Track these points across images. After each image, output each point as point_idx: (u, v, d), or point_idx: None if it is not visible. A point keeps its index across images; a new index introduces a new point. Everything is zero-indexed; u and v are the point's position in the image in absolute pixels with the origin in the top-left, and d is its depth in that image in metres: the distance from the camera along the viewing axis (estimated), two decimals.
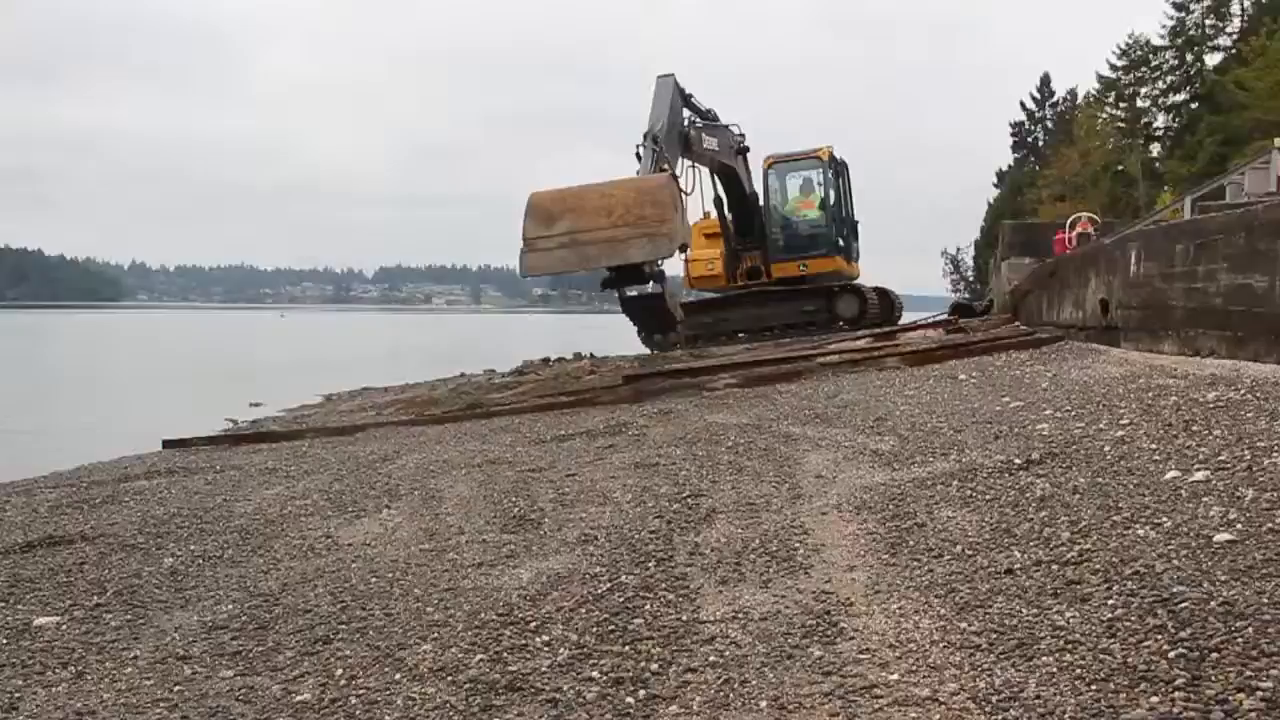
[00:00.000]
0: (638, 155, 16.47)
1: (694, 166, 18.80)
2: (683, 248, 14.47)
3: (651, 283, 13.65)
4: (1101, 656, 3.15)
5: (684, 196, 14.58)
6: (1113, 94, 57.22)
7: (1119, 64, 56.76)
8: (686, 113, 19.04)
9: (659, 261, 14.38)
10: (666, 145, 16.76)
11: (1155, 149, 56.66)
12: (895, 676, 3.26)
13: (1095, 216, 25.88)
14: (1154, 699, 2.84)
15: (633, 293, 14.32)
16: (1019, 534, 4.56)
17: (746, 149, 22.91)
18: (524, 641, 3.95)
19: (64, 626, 4.76)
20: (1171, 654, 3.07)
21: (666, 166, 16.55)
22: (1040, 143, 73.95)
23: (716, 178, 21.47)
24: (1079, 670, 3.09)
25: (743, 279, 24.22)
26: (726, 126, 21.48)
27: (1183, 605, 3.38)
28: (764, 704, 3.20)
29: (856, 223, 25.76)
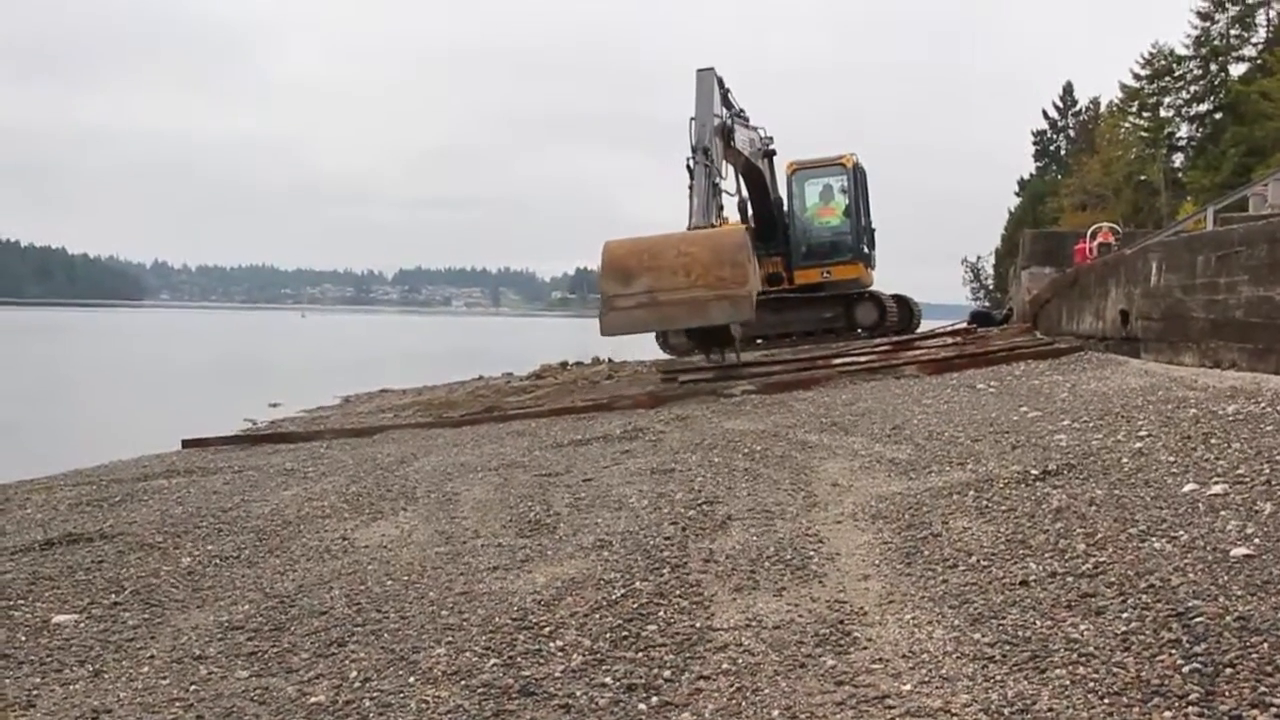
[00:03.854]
0: (689, 169, 16.50)
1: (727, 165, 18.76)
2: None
3: None
4: (1115, 670, 3.14)
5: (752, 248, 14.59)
6: (1136, 103, 56.93)
7: (1142, 73, 56.49)
8: (725, 110, 18.98)
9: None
10: (711, 143, 16.78)
11: (1178, 159, 56.36)
12: (908, 687, 3.26)
13: (1116, 226, 25.77)
14: (1167, 714, 2.84)
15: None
16: (1034, 545, 4.55)
17: (773, 152, 22.92)
18: (538, 646, 3.96)
19: (82, 624, 4.79)
20: (1185, 669, 3.06)
21: (719, 180, 16.68)
22: (1062, 151, 73.75)
23: (742, 179, 21.37)
24: (1092, 684, 3.08)
25: (763, 285, 24.16)
26: (756, 128, 21.48)
27: (1198, 620, 3.37)
28: (776, 713, 3.20)
29: (874, 230, 25.72)
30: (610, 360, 24.74)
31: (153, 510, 7.57)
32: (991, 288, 71.31)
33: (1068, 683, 3.12)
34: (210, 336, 68.02)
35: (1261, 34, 52.61)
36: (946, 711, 3.06)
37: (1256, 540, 4.10)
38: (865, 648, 3.64)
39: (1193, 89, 55.04)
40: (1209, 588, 3.66)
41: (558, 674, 3.66)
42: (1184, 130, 56.58)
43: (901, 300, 25.14)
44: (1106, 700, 2.97)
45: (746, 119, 20.90)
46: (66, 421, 19.10)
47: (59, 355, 43.10)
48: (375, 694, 3.65)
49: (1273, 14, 52.06)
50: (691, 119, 16.92)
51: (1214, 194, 32.01)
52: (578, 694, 3.48)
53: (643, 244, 13.55)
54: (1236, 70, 53.19)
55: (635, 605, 4.33)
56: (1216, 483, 5.06)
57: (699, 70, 18.11)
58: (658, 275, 13.03)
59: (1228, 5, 52.79)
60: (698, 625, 4.04)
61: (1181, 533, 4.36)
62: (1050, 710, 2.96)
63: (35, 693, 3.94)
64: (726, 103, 19.29)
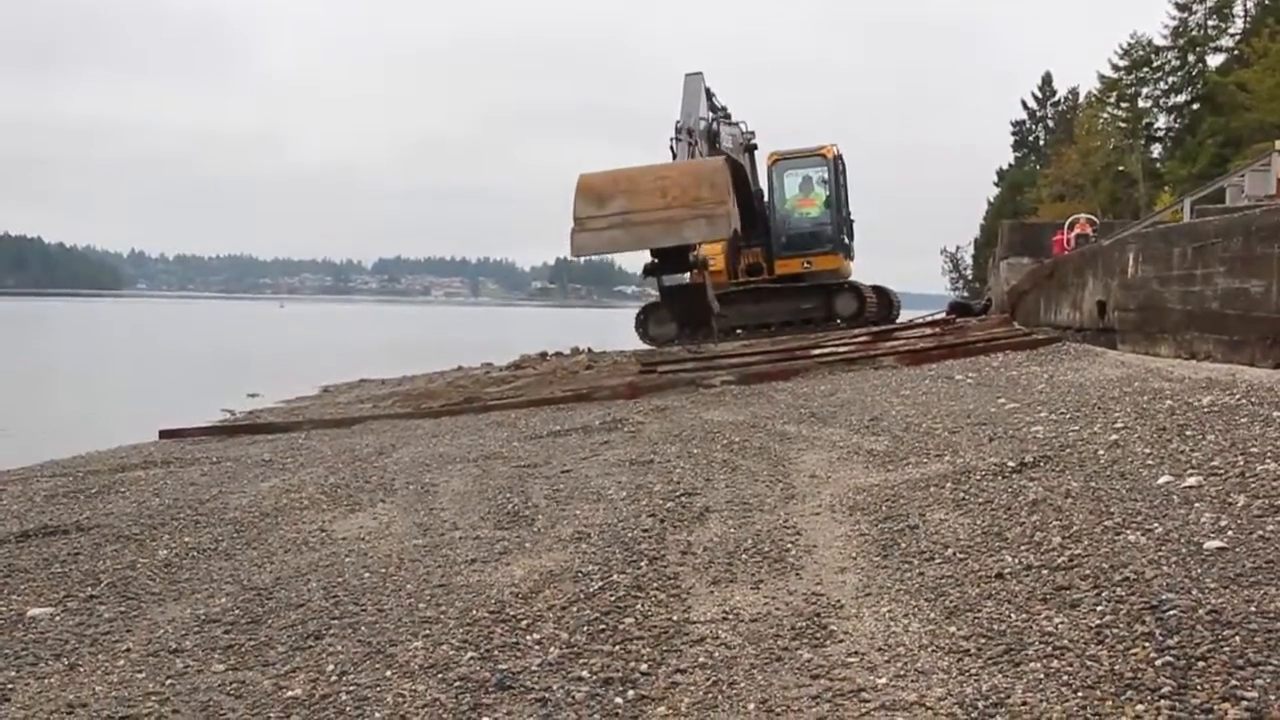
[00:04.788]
0: (671, 150, 16.61)
1: None
2: (735, 233, 14.40)
3: (690, 273, 13.52)
4: (1088, 663, 3.16)
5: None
6: (1114, 94, 57.21)
7: (1121, 64, 56.76)
8: (710, 114, 19.31)
9: (699, 248, 14.23)
10: (695, 125, 16.95)
11: (1156, 149, 56.72)
12: (883, 680, 3.27)
13: (1094, 218, 25.90)
14: (1140, 707, 2.85)
15: (675, 283, 14.22)
16: (1010, 538, 4.57)
17: (755, 146, 23.10)
18: (515, 639, 3.96)
19: (58, 617, 4.76)
20: (1158, 662, 3.08)
21: (700, 158, 16.77)
22: (1041, 142, 73.98)
23: None
24: (1065, 677, 3.10)
25: (743, 275, 24.24)
26: (737, 123, 21.70)
27: (1171, 613, 3.39)
28: (751, 706, 3.21)
29: (853, 221, 25.82)
30: (590, 350, 24.74)
31: (129, 502, 7.54)
32: (971, 278, 71.55)
33: (1042, 676, 3.14)
34: (188, 326, 67.67)
35: (1239, 25, 52.96)
36: (921, 705, 3.08)
37: (1230, 533, 4.13)
38: (841, 641, 3.65)
39: (1170, 80, 55.38)
40: (1182, 580, 3.68)
41: (535, 667, 3.67)
42: (1162, 121, 57.01)
43: (881, 291, 25.26)
44: (1080, 694, 2.99)
45: (728, 115, 21.17)
46: (43, 412, 18.98)
47: (35, 345, 42.83)
48: (352, 687, 3.65)
49: (1250, 5, 52.36)
50: (677, 121, 17.11)
51: (1191, 184, 32.17)
52: (555, 687, 3.48)
53: (619, 173, 13.35)
54: (1214, 61, 53.57)
55: (613, 598, 4.34)
56: (1191, 475, 5.09)
57: (687, 74, 18.59)
58: (633, 197, 12.75)
59: None
60: (675, 618, 4.04)
61: (1156, 525, 4.38)
62: (1024, 704, 2.98)
63: (10, 686, 3.92)
64: (711, 104, 19.57)
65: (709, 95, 19.48)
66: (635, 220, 12.67)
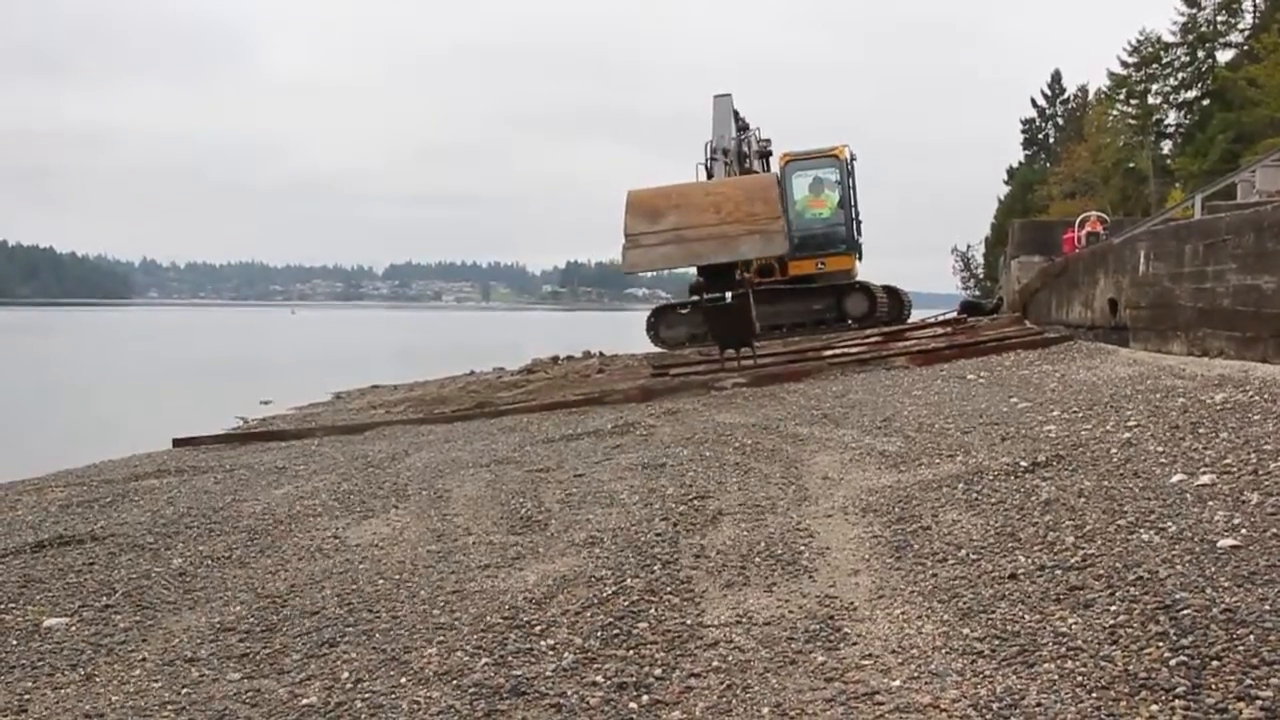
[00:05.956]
0: (707, 170, 16.96)
1: None
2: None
3: (731, 293, 13.48)
4: (1103, 664, 3.16)
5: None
6: (1124, 91, 56.93)
7: (1130, 61, 56.49)
8: (737, 132, 19.82)
9: (745, 267, 14.29)
10: (729, 145, 17.43)
11: (1166, 146, 56.43)
12: (897, 683, 3.27)
13: (1105, 216, 25.83)
14: (1154, 707, 2.85)
15: (721, 300, 14.20)
16: (1023, 538, 4.56)
17: (770, 153, 23.30)
18: (529, 645, 3.96)
19: (73, 628, 4.79)
20: (1173, 661, 3.08)
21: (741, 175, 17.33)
22: (1051, 139, 73.72)
23: None
24: (1080, 678, 3.10)
25: (755, 277, 24.24)
26: (752, 131, 21.99)
27: (1185, 612, 3.39)
28: (766, 710, 3.21)
29: (861, 221, 25.84)
30: (601, 354, 24.77)
31: (144, 511, 7.57)
32: (982, 277, 71.33)
33: (1056, 677, 3.14)
34: (200, 334, 67.85)
35: (1248, 20, 52.64)
36: (935, 707, 3.08)
37: (1243, 531, 4.12)
38: (855, 643, 3.65)
39: (1180, 76, 55.04)
40: (1196, 579, 3.67)
41: (549, 673, 3.67)
42: (1171, 117, 56.64)
43: (892, 291, 25.23)
44: (1094, 694, 2.98)
45: (747, 126, 21.50)
46: (56, 421, 19.06)
47: (48, 355, 43.00)
48: (367, 695, 3.66)
49: (1259, 0, 52.12)
50: (708, 142, 17.47)
51: (1202, 180, 32.04)
52: (569, 693, 3.49)
53: (670, 188, 13.33)
54: (1223, 57, 53.19)
55: (626, 603, 4.34)
56: (1204, 473, 5.08)
57: (716, 96, 19.12)
58: (685, 213, 12.70)
59: None
60: (688, 622, 4.05)
61: (1169, 524, 4.37)
62: (1038, 705, 2.98)
63: (27, 697, 3.94)
64: (736, 123, 20.08)
65: (735, 115, 20.00)
66: (689, 236, 12.61)
